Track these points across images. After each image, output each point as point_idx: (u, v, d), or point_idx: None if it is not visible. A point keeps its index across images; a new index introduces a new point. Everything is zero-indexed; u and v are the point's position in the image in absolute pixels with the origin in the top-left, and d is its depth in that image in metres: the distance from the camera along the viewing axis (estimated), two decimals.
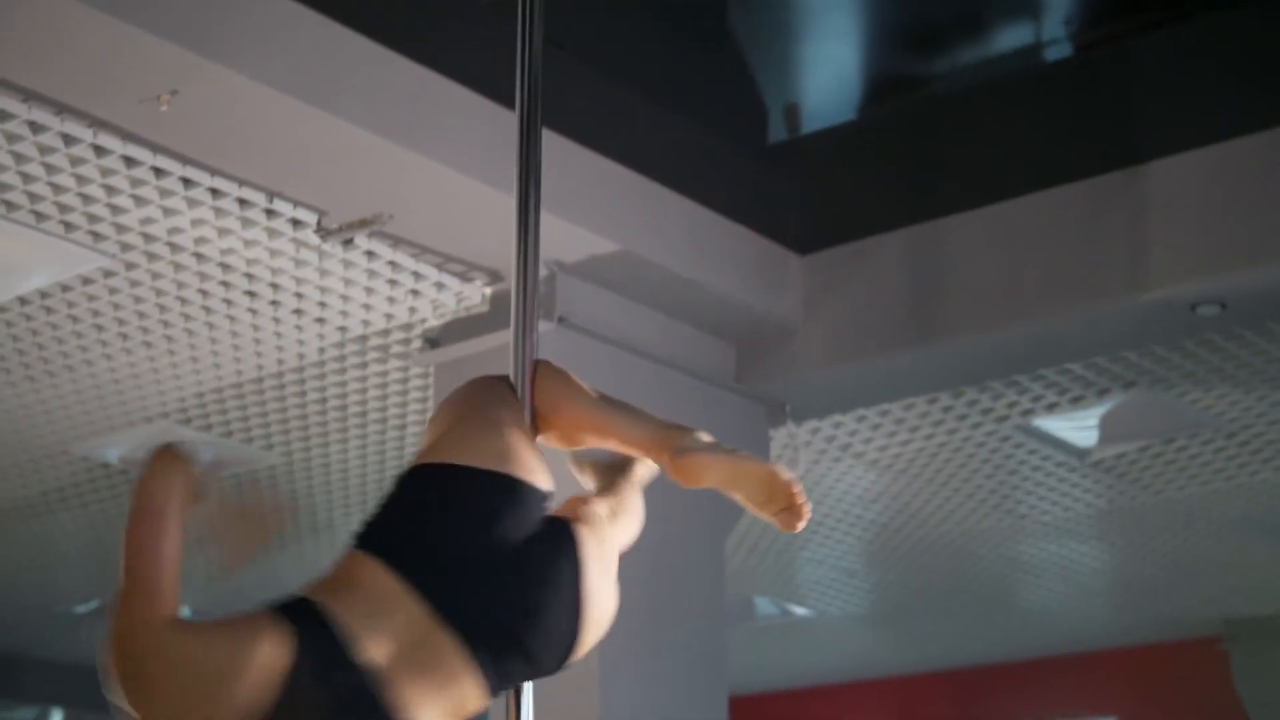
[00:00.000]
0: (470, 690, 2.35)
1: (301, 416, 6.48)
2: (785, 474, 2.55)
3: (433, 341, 5.50)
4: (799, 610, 9.23)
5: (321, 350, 5.82)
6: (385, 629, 2.31)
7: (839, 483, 7.21)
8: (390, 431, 6.62)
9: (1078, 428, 6.55)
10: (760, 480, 2.56)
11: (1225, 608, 9.21)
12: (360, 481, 7.21)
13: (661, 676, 6.32)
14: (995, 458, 6.88)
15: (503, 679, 2.40)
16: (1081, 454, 6.82)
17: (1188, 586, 8.83)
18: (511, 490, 2.45)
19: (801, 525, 2.56)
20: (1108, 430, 6.57)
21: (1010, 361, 5.67)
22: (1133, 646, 9.85)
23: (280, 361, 5.93)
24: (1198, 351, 5.74)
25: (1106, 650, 9.91)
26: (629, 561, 5.69)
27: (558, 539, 2.46)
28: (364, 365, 5.97)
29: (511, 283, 2.84)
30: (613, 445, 2.73)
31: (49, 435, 6.66)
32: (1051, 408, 6.30)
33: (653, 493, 5.67)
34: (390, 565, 2.37)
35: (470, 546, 2.40)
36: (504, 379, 2.73)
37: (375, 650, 2.29)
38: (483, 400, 2.64)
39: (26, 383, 6.11)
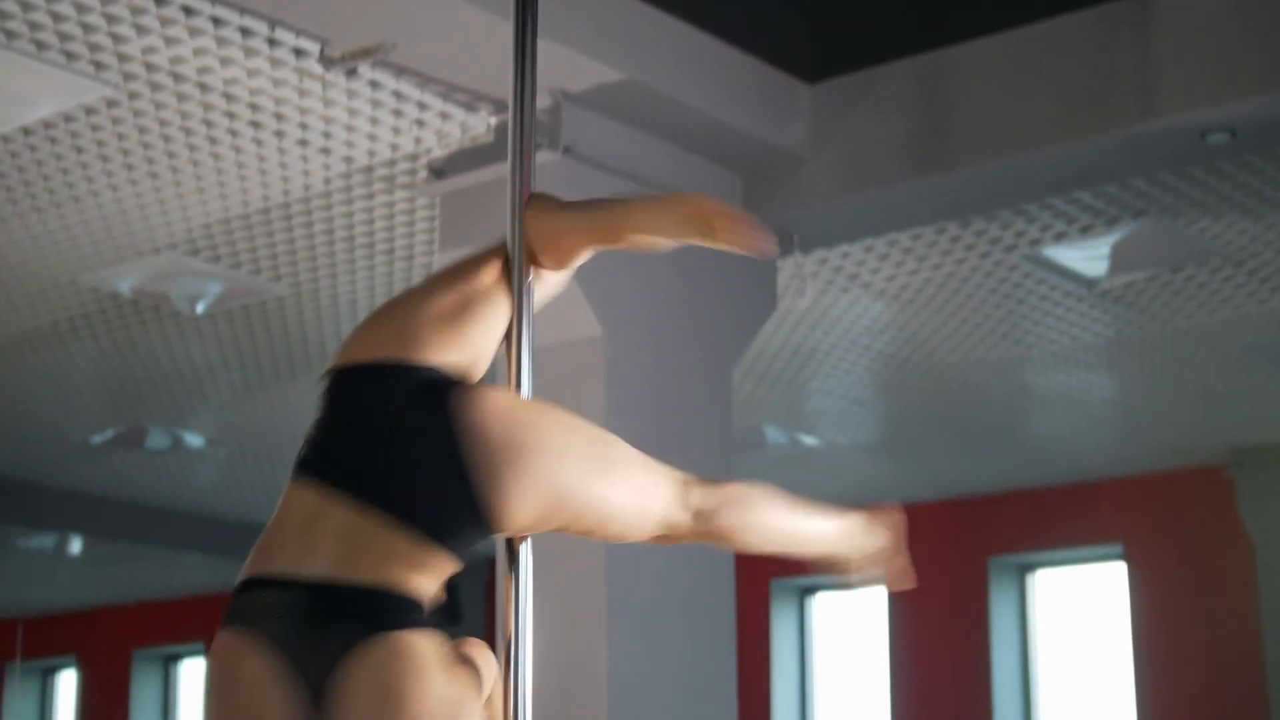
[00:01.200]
0: (428, 559, 2.45)
1: (309, 248, 6.49)
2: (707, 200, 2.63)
3: (438, 172, 5.49)
4: (808, 440, 9.29)
5: (327, 181, 5.81)
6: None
7: (847, 313, 7.22)
8: (398, 263, 6.63)
9: (1086, 257, 6.53)
10: (688, 212, 2.65)
11: (1231, 436, 9.25)
12: (368, 312, 7.22)
13: None
14: (1003, 287, 6.88)
15: (454, 546, 2.47)
16: (1090, 283, 6.82)
17: (1194, 415, 8.86)
18: (385, 374, 2.59)
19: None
20: (1116, 259, 6.56)
21: (1019, 190, 5.64)
22: (1139, 475, 9.91)
23: (286, 192, 5.92)
24: (1207, 179, 5.71)
25: (1113, 479, 9.98)
26: (637, 392, 5.75)
27: (431, 403, 2.52)
28: (370, 196, 5.96)
29: (510, 110, 2.83)
30: (619, 244, 2.78)
31: (58, 266, 6.67)
32: (1060, 237, 6.29)
33: (658, 311, 5.69)
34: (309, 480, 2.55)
35: (357, 434, 2.56)
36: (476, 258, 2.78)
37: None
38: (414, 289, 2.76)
39: (33, 213, 6.11)
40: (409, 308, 2.71)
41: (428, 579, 2.47)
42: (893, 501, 9.10)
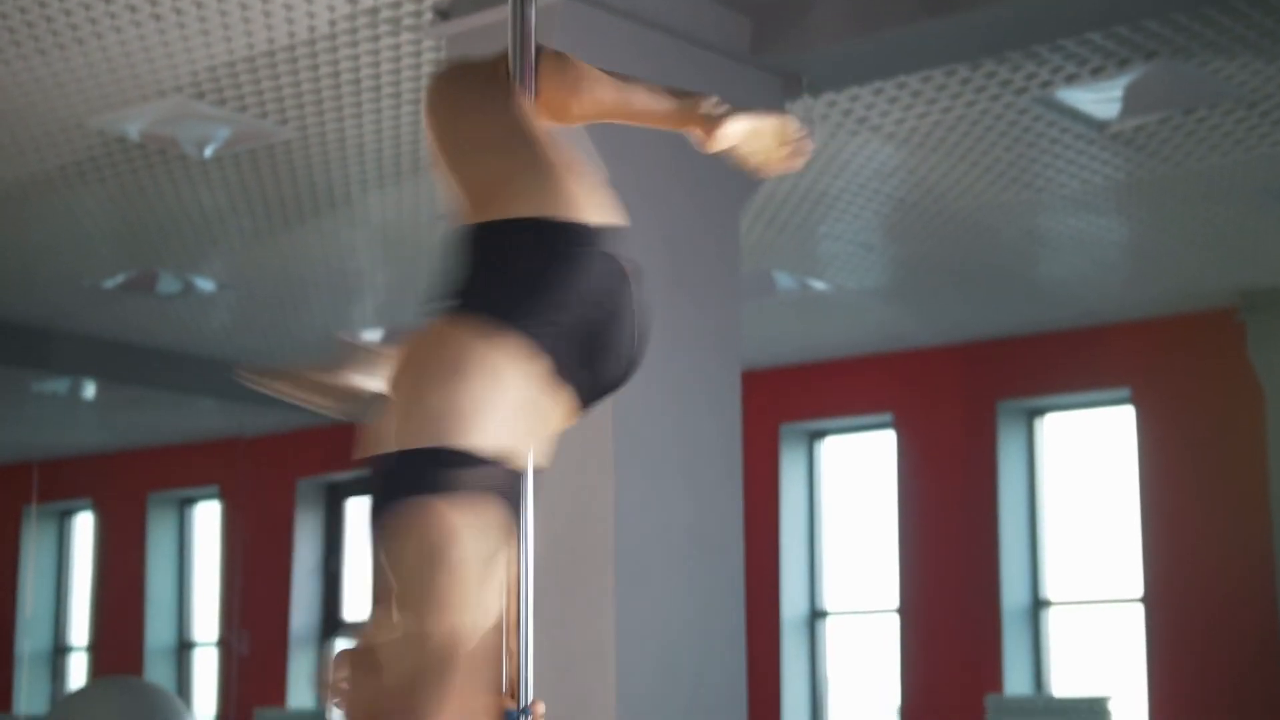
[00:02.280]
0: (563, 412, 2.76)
1: (315, 91, 6.46)
2: (792, 120, 2.93)
3: (443, 14, 5.44)
4: (817, 284, 9.29)
5: (332, 23, 5.76)
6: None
7: (855, 156, 7.19)
8: (405, 106, 6.60)
9: (1097, 99, 6.48)
10: (774, 128, 2.92)
11: (1242, 279, 9.23)
12: (376, 156, 7.21)
13: (674, 350, 6.39)
14: (1013, 130, 6.84)
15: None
16: (1101, 125, 6.77)
17: (1205, 258, 8.84)
18: (574, 236, 2.70)
19: (802, 162, 2.96)
20: (1128, 101, 6.51)
21: (1029, 31, 5.59)
22: (1148, 319, 9.91)
23: (292, 35, 5.88)
24: (1220, 19, 5.65)
25: (1122, 323, 9.98)
26: (643, 234, 5.72)
27: (617, 273, 2.74)
28: (376, 38, 5.92)
29: None
30: (632, 121, 2.90)
31: (63, 109, 6.65)
32: (1071, 79, 6.24)
33: (664, 153, 5.66)
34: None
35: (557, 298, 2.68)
36: (490, 65, 2.83)
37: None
38: (500, 121, 2.80)
39: (37, 55, 6.08)
40: (552, 161, 2.79)
41: None
42: (902, 348, 9.04)
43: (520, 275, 2.69)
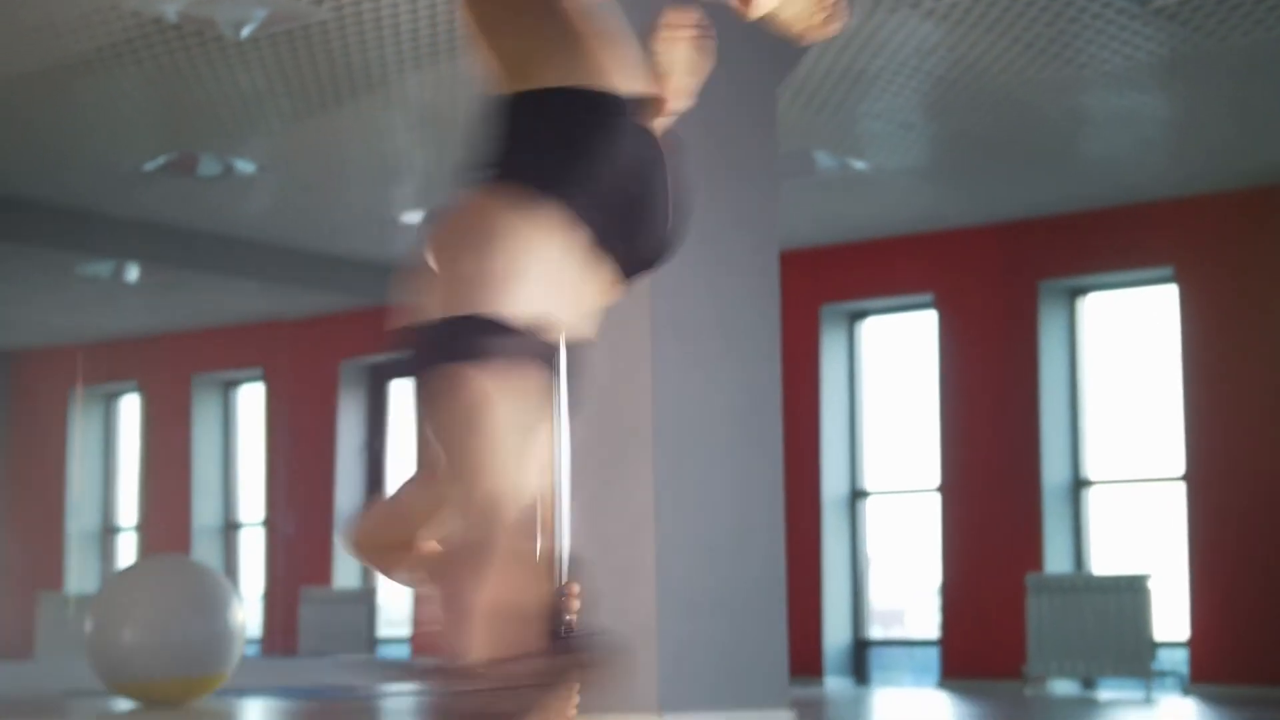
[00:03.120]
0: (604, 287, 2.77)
1: None
2: None
3: None
4: (857, 164, 9.24)
5: None
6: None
7: (895, 34, 7.12)
8: None
9: None
10: None
11: None
12: (412, 36, 7.18)
13: (712, 231, 6.38)
14: (1055, 5, 6.76)
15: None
16: (1144, 0, 6.69)
17: (1248, 135, 8.75)
18: (607, 104, 2.70)
19: (840, 26, 2.96)
20: None
21: None
22: (1191, 196, 9.82)
23: None
24: None
25: (1165, 200, 9.90)
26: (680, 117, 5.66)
27: (651, 143, 2.75)
28: None
29: None
30: None
31: None
32: None
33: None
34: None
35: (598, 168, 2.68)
36: None
37: None
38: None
39: None
40: (587, 30, 2.82)
41: None
42: (943, 227, 8.97)
43: (555, 145, 2.69)
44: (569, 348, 2.78)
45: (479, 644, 2.55)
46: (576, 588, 2.91)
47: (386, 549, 2.88)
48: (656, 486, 6.17)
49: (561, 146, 2.69)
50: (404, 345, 2.74)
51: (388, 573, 2.91)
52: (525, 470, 2.65)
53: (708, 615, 6.33)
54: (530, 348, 2.65)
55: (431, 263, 2.73)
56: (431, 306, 2.67)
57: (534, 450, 2.67)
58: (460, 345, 2.61)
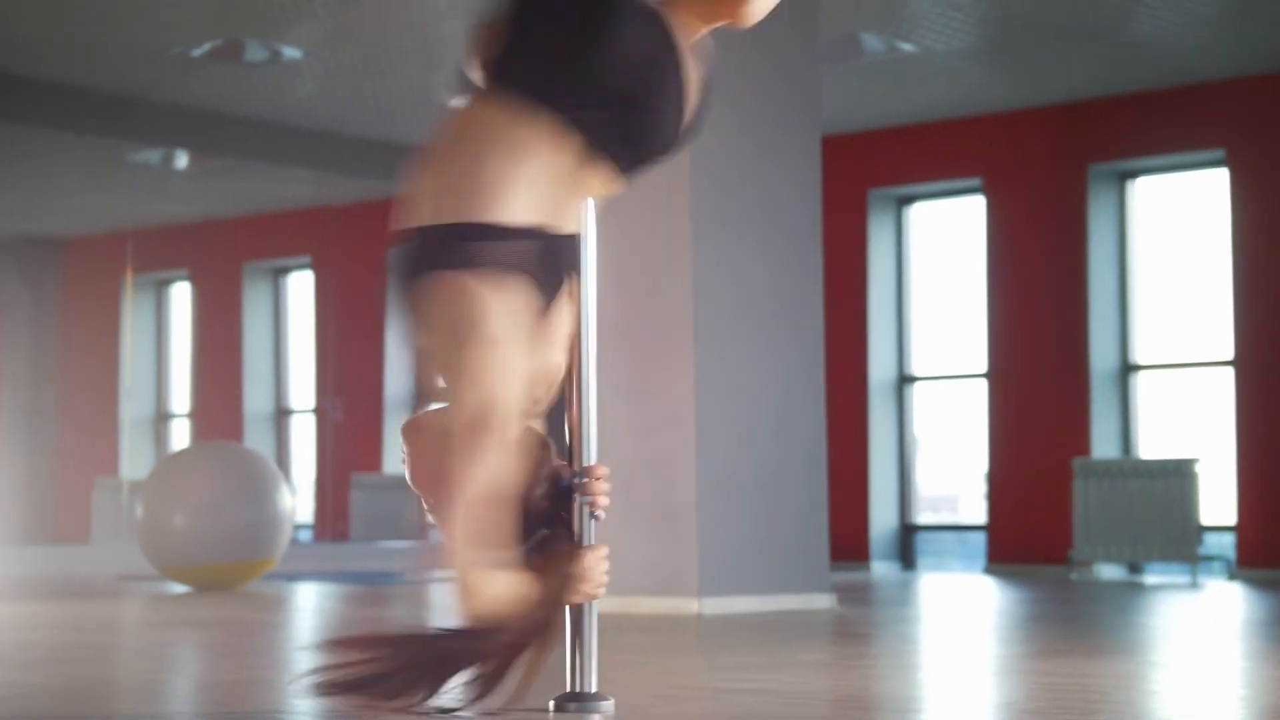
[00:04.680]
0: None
1: None
2: None
3: None
4: (905, 46, 9.14)
5: None
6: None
7: None
8: None
9: None
10: None
11: None
12: None
13: (751, 115, 6.34)
14: None
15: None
16: None
17: None
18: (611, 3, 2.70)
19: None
20: None
21: None
22: (1245, 77, 9.68)
23: None
24: None
25: (1218, 81, 9.76)
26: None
27: (665, 41, 2.74)
28: None
29: None
30: None
31: None
32: None
33: None
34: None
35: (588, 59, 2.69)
36: None
37: None
38: None
39: None
40: None
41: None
42: (992, 110, 8.90)
43: (557, 45, 2.68)
44: (563, 244, 2.78)
45: (465, 534, 2.59)
46: (602, 471, 2.92)
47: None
48: (697, 372, 6.18)
49: (564, 49, 2.68)
50: (402, 249, 2.76)
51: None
52: (519, 372, 2.67)
53: (748, 500, 6.36)
54: (525, 253, 2.67)
55: (428, 169, 2.75)
56: (428, 212, 2.69)
57: (529, 351, 2.69)
58: (452, 253, 2.62)
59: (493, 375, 2.61)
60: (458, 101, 2.80)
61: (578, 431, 2.94)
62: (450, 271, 2.63)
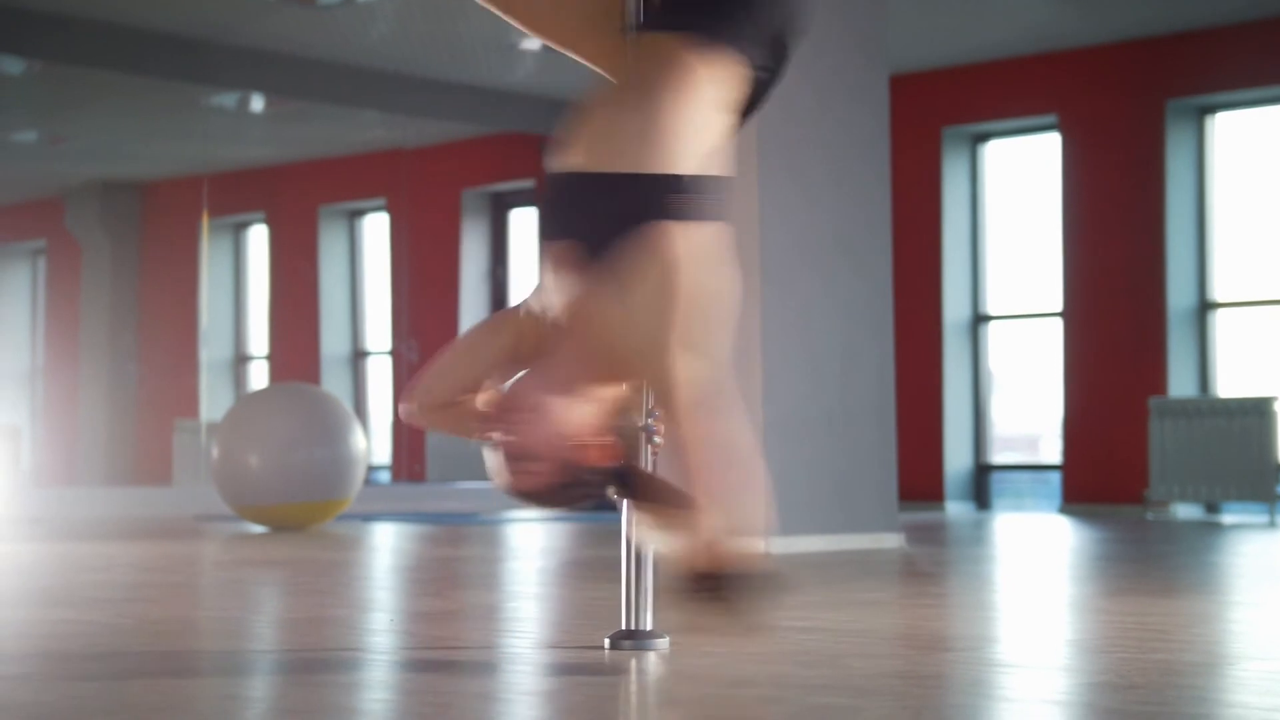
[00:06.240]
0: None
1: None
2: None
3: None
4: None
5: None
6: None
7: None
8: None
9: None
10: None
11: None
12: None
13: (818, 53, 6.30)
14: None
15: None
16: None
17: None
18: None
19: None
20: None
21: None
22: None
23: None
24: None
25: None
26: None
27: None
28: None
29: None
30: None
31: None
32: None
33: None
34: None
35: None
36: None
37: None
38: None
39: None
40: None
41: None
42: (1067, 46, 8.78)
43: None
44: (722, 188, 2.70)
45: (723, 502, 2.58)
46: None
47: (450, 406, 2.85)
48: (764, 311, 6.17)
49: None
50: (562, 194, 2.67)
51: (455, 430, 2.91)
52: (717, 329, 2.61)
53: (816, 439, 6.35)
54: (721, 203, 2.63)
55: (603, 114, 2.66)
56: (601, 158, 2.62)
57: (722, 307, 2.63)
58: (656, 204, 2.55)
59: (718, 333, 2.58)
60: (633, 46, 2.74)
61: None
62: (657, 223, 2.56)
